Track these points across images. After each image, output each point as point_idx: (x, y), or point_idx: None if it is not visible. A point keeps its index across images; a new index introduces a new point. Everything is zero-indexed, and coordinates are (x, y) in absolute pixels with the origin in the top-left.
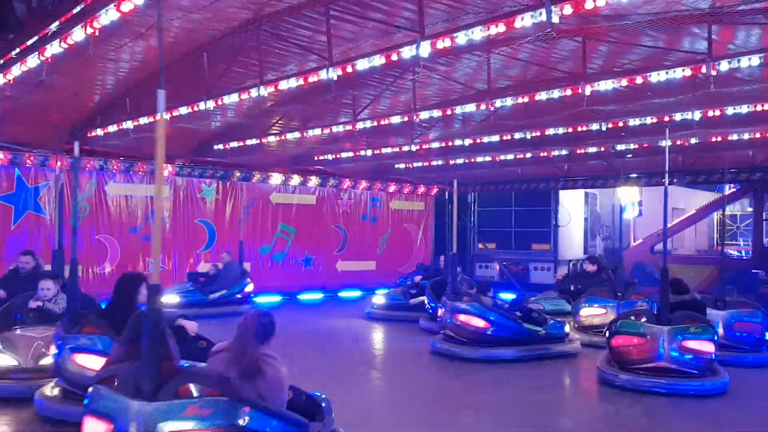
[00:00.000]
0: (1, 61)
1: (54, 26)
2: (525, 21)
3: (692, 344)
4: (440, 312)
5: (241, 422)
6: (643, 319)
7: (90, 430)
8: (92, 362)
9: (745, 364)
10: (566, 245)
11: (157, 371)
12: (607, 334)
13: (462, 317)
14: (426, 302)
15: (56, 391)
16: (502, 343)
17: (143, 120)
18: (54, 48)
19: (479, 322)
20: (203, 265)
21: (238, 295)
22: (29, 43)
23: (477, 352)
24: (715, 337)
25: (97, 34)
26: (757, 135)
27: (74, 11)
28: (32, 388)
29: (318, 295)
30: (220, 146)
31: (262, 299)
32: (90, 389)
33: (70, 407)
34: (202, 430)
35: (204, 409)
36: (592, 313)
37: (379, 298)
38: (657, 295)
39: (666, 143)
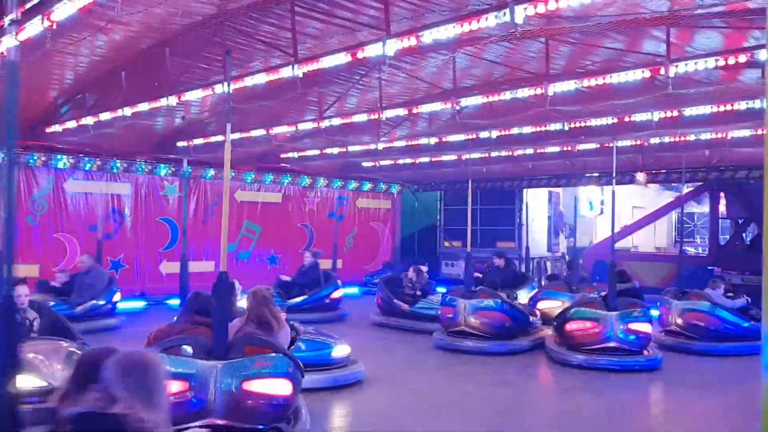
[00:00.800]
0: None
1: (8, 19)
2: (489, 21)
3: (635, 326)
4: (405, 307)
5: (290, 370)
6: (594, 307)
7: (174, 391)
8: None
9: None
10: (531, 243)
11: (226, 337)
12: (558, 321)
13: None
14: (379, 298)
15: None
16: None
17: (104, 116)
18: (8, 41)
19: None
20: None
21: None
22: None
23: None
24: (652, 320)
25: (54, 27)
26: (714, 135)
27: (28, 5)
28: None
29: None
30: (184, 143)
31: None
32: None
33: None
34: (267, 378)
35: (267, 362)
36: (551, 305)
37: None
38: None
39: (614, 144)
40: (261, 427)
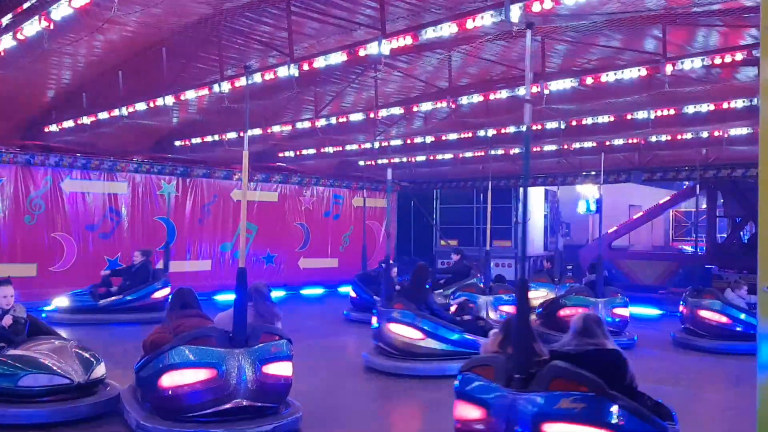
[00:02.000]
0: None
1: (6, 19)
2: (485, 20)
3: (618, 311)
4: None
5: (614, 421)
6: (584, 294)
7: (463, 413)
8: (401, 330)
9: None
10: (528, 242)
11: (527, 364)
12: (549, 309)
13: None
14: (352, 292)
15: (375, 351)
16: None
17: (101, 115)
18: (6, 42)
19: None
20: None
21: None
22: None
23: None
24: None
25: (51, 27)
26: (712, 134)
27: (25, 5)
28: (95, 406)
29: (280, 293)
30: (180, 143)
31: (222, 297)
32: (461, 375)
33: (385, 361)
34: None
35: (576, 404)
36: (536, 295)
37: None
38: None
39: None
40: (272, 405)
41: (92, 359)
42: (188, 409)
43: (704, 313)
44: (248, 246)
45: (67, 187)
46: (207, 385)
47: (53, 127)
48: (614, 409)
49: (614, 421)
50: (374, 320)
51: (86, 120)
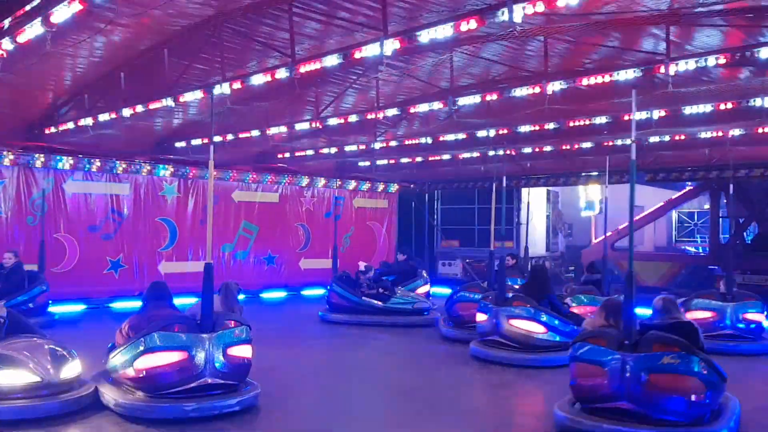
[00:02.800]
0: None
1: (7, 22)
2: (487, 20)
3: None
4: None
5: (698, 370)
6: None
7: (582, 372)
8: (523, 324)
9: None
10: (529, 242)
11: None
12: None
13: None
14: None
15: (489, 344)
16: None
17: (102, 117)
18: (7, 44)
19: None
20: None
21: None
22: None
23: None
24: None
25: (54, 29)
26: (714, 134)
27: (27, 8)
28: (66, 404)
29: (281, 294)
30: (182, 144)
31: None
32: (577, 344)
33: (497, 353)
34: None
35: (673, 360)
36: None
37: None
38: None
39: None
40: (234, 383)
41: (68, 356)
42: (162, 387)
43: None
44: (249, 247)
45: (70, 188)
46: (179, 366)
47: (55, 129)
48: (699, 362)
49: (698, 370)
50: (481, 316)
51: (88, 121)
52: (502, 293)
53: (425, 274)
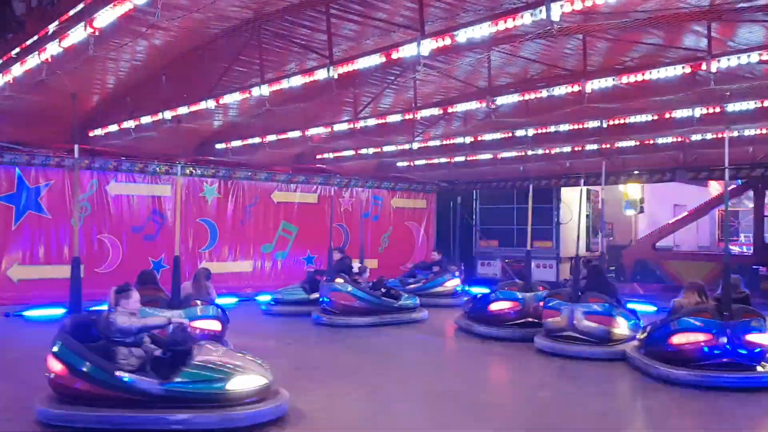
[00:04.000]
0: (1, 61)
1: (53, 26)
2: (525, 19)
3: (594, 317)
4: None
5: (219, 314)
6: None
7: (688, 339)
8: (598, 320)
9: None
10: (568, 243)
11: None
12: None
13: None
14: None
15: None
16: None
17: (144, 119)
18: (53, 48)
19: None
20: None
21: None
22: (29, 42)
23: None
24: (613, 313)
25: (96, 34)
26: (758, 131)
27: (71, 12)
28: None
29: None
30: (222, 145)
31: (264, 298)
32: (680, 319)
33: (568, 347)
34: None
35: (758, 323)
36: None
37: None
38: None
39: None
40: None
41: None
42: None
43: None
44: (288, 247)
45: (113, 189)
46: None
47: (98, 131)
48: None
49: (219, 315)
50: (552, 313)
51: (130, 124)
52: (576, 291)
53: (454, 269)
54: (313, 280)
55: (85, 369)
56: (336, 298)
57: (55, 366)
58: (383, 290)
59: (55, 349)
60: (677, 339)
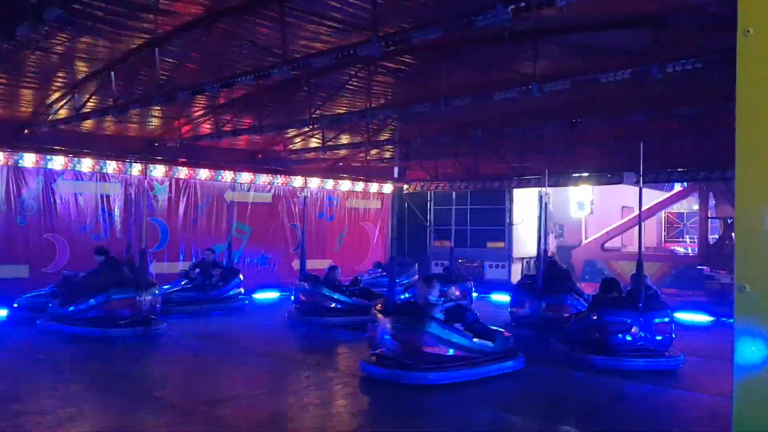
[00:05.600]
0: None
1: None
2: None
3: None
4: None
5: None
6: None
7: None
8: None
9: None
10: (520, 243)
11: (643, 299)
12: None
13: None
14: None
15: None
16: None
17: (93, 116)
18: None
19: None
20: None
21: None
22: None
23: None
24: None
25: (46, 28)
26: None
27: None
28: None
29: (274, 294)
30: (173, 144)
31: None
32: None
33: None
34: (668, 322)
35: (665, 314)
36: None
37: None
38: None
39: None
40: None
41: None
42: None
43: None
44: (242, 247)
45: (60, 188)
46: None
47: (44, 128)
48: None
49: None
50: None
51: (78, 120)
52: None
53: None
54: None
55: None
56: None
57: None
58: (356, 289)
59: None
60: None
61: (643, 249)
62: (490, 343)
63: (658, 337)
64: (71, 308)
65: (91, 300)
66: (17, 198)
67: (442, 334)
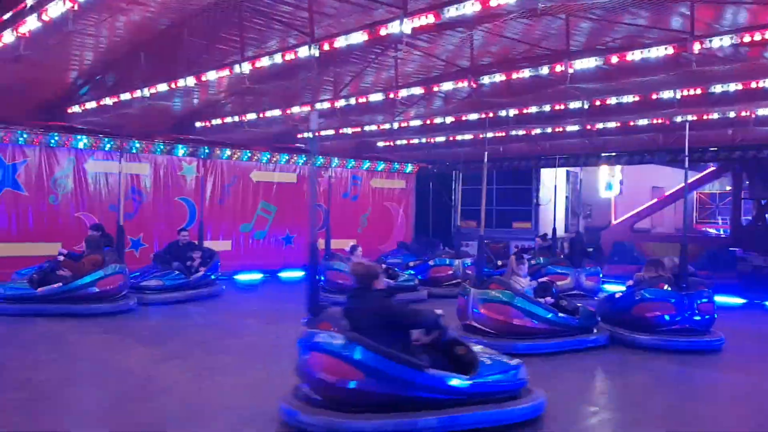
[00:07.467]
0: None
1: (31, 0)
2: None
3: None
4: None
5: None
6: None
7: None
8: None
9: None
10: (547, 224)
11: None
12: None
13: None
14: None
15: None
16: None
17: (123, 96)
18: (31, 22)
19: None
20: None
21: None
22: (5, 17)
23: None
24: None
25: (75, 8)
26: (738, 114)
27: None
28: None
29: (299, 273)
30: (201, 124)
31: (243, 276)
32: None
33: None
34: (710, 303)
35: (708, 294)
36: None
37: None
38: (635, 273)
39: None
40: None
41: None
42: None
43: None
44: (267, 227)
45: (91, 167)
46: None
47: (76, 108)
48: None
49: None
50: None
51: (108, 101)
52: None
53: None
54: (47, 270)
55: None
56: (332, 276)
57: None
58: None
59: None
60: (640, 308)
61: (673, 230)
62: (575, 318)
63: (699, 317)
64: None
65: None
66: (49, 177)
67: (529, 307)
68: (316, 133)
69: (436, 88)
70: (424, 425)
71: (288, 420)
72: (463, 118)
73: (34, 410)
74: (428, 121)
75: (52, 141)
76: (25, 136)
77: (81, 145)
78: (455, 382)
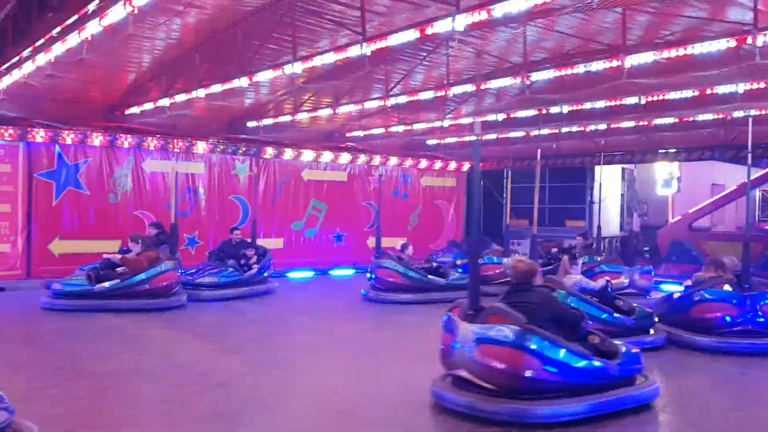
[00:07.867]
0: (42, 41)
1: (93, 5)
2: None
3: None
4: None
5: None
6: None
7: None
8: None
9: None
10: (602, 222)
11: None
12: None
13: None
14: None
15: None
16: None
17: (179, 98)
18: (93, 27)
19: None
20: None
21: None
22: (69, 22)
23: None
24: None
25: (135, 12)
26: None
27: None
28: None
29: (349, 271)
30: (254, 123)
31: (294, 274)
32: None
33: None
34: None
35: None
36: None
37: None
38: (693, 272)
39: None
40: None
41: None
42: None
43: None
44: (318, 225)
45: (149, 167)
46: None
47: (134, 109)
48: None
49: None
50: None
51: (165, 102)
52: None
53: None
54: (108, 266)
55: None
56: (382, 275)
57: None
58: (431, 267)
59: None
60: (700, 309)
61: (734, 229)
62: (630, 318)
63: (762, 319)
64: None
65: None
66: (109, 177)
67: (580, 306)
68: (479, 137)
69: (483, 86)
70: (597, 407)
71: (455, 407)
72: (514, 115)
73: (104, 397)
74: (479, 119)
75: (113, 141)
76: (86, 137)
77: (139, 145)
78: (611, 368)
